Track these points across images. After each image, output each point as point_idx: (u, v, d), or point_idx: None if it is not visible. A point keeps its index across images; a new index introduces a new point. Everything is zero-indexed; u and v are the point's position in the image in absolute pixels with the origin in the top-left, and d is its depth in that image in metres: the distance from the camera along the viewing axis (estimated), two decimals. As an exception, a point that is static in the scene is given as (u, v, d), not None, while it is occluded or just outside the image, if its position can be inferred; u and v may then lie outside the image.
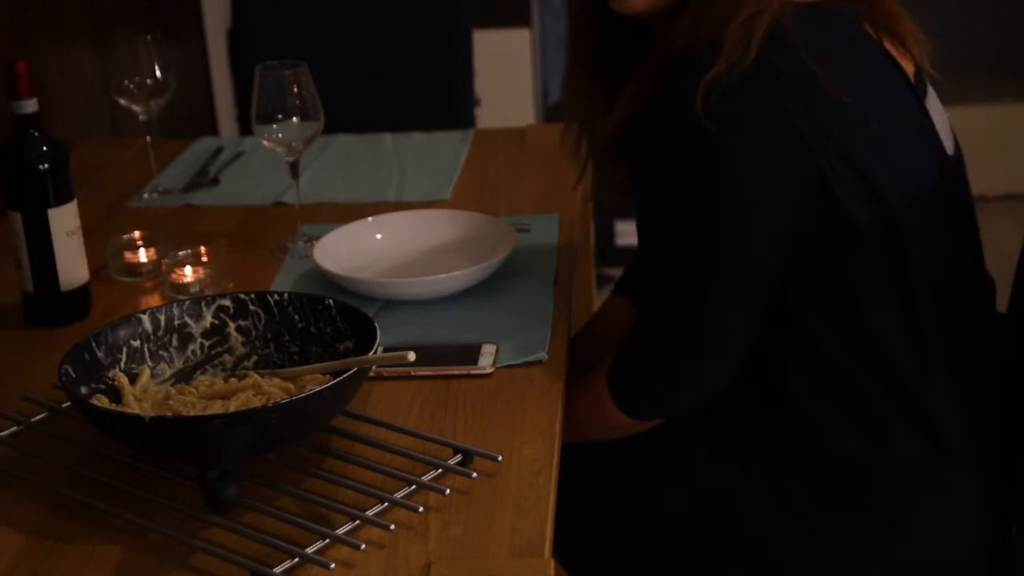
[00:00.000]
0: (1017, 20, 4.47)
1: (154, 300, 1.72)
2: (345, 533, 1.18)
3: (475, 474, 1.26)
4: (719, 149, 1.35)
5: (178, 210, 2.04)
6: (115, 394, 1.37)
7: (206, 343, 1.45)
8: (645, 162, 1.44)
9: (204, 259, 1.75)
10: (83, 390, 1.33)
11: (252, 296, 1.46)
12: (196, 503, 1.20)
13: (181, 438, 1.22)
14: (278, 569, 1.13)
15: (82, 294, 1.66)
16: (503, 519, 1.20)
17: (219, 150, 2.28)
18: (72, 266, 1.64)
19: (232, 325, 1.46)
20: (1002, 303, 1.58)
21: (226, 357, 1.45)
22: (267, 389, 1.35)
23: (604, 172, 1.58)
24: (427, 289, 1.63)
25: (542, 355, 1.49)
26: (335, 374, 1.30)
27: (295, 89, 1.74)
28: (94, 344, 1.38)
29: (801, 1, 1.39)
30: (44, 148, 1.59)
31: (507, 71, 3.58)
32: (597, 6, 1.49)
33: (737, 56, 1.33)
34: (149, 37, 1.98)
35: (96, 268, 1.73)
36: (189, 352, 1.45)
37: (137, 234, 1.82)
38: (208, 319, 1.45)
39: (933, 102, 1.51)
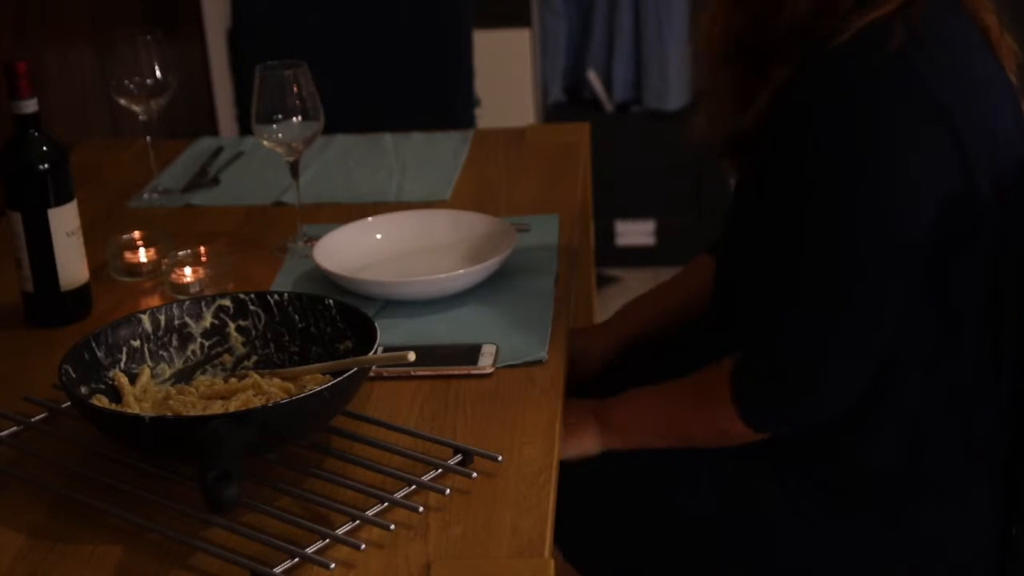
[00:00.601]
0: None
1: (154, 300, 1.72)
2: (345, 533, 1.18)
3: (475, 474, 1.26)
4: (871, 140, 1.33)
5: (178, 210, 2.04)
6: (115, 394, 1.37)
7: (206, 343, 1.45)
8: (786, 155, 1.40)
9: (204, 259, 1.75)
10: (83, 390, 1.33)
11: (252, 296, 1.46)
12: (196, 503, 1.20)
13: (181, 438, 1.22)
14: (278, 569, 1.13)
15: (82, 294, 1.66)
16: (503, 519, 1.20)
17: (219, 150, 2.28)
18: (72, 266, 1.64)
19: (232, 325, 1.46)
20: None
21: (226, 357, 1.45)
22: (267, 389, 1.35)
23: (720, 168, 1.55)
24: (427, 289, 1.63)
25: (542, 355, 1.49)
26: (335, 374, 1.30)
27: (295, 89, 1.74)
28: (94, 344, 1.38)
29: None
30: (44, 148, 1.59)
31: (507, 71, 3.58)
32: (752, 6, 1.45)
33: (883, 46, 1.32)
34: (149, 37, 1.98)
35: (96, 268, 1.73)
36: (189, 352, 1.45)
37: (137, 234, 1.82)
38: (208, 319, 1.45)
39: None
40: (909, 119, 1.34)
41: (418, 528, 1.19)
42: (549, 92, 3.92)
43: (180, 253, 1.75)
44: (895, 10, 1.35)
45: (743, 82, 1.46)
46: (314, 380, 1.36)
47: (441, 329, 1.58)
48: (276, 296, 1.46)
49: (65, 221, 1.62)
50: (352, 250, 1.75)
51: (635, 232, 3.93)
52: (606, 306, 3.67)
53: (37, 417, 1.41)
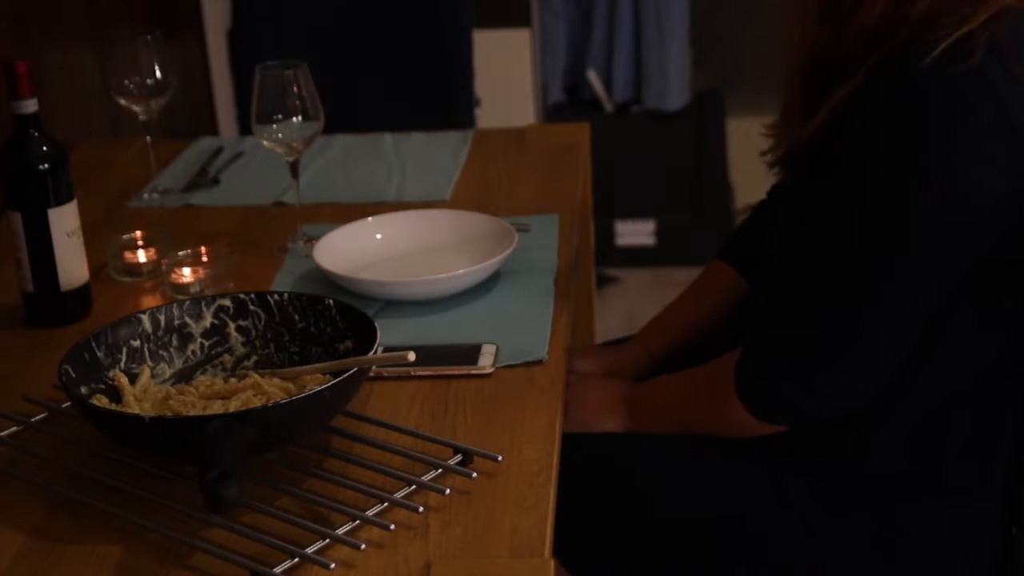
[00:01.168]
0: None
1: (154, 300, 1.72)
2: (345, 533, 1.18)
3: (475, 474, 1.26)
4: (934, 150, 1.32)
5: (178, 210, 2.04)
6: (115, 394, 1.37)
7: (206, 343, 1.45)
8: (848, 165, 1.38)
9: (204, 259, 1.75)
10: (83, 390, 1.33)
11: (252, 296, 1.46)
12: (196, 503, 1.20)
13: (181, 438, 1.22)
14: (278, 569, 1.13)
15: (82, 294, 1.66)
16: (503, 519, 1.20)
17: (219, 150, 2.28)
18: (72, 266, 1.64)
19: (232, 325, 1.46)
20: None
21: (226, 357, 1.45)
22: (267, 389, 1.35)
23: (784, 177, 1.55)
24: (427, 289, 1.63)
25: (542, 355, 1.49)
26: (335, 374, 1.30)
27: (295, 89, 1.74)
28: (94, 344, 1.38)
29: (1013, 5, 1.36)
30: (44, 148, 1.59)
31: (507, 71, 3.58)
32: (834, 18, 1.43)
33: (965, 61, 1.31)
34: (149, 37, 1.98)
35: (96, 268, 1.73)
36: (189, 352, 1.45)
37: (137, 234, 1.82)
38: (208, 319, 1.45)
39: None
40: (977, 135, 1.32)
41: (418, 528, 1.19)
42: (549, 92, 3.92)
43: (180, 253, 1.75)
44: (981, 25, 1.32)
45: (813, 93, 1.44)
46: (314, 380, 1.36)
47: (441, 329, 1.58)
48: (276, 296, 1.46)
49: (65, 221, 1.62)
50: (352, 250, 1.75)
51: (635, 232, 3.93)
52: (606, 306, 3.68)
53: (37, 417, 1.41)
